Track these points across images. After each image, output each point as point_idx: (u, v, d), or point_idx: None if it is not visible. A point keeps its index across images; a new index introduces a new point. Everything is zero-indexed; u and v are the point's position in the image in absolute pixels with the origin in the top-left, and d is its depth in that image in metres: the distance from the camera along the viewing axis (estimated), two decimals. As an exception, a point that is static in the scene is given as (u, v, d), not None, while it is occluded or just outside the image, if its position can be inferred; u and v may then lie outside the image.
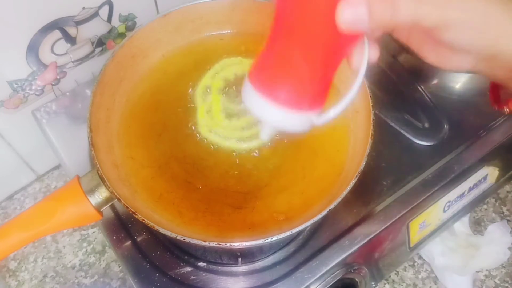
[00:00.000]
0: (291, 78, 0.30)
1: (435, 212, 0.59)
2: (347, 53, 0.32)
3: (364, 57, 0.31)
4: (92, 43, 0.61)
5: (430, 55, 0.34)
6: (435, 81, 0.66)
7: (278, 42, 0.31)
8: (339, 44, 0.30)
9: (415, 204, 0.56)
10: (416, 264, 0.67)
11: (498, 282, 0.66)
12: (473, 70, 0.33)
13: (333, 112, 0.31)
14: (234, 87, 0.53)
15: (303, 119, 0.31)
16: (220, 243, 0.40)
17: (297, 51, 0.30)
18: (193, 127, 0.52)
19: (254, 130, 0.51)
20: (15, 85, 0.57)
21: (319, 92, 0.32)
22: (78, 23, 0.57)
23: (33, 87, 0.60)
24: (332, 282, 0.52)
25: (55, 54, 0.58)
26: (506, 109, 0.39)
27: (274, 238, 0.41)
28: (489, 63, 0.32)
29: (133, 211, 0.42)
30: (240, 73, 0.54)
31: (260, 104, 0.31)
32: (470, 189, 0.62)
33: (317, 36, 0.29)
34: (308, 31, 0.29)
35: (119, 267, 0.64)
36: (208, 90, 0.53)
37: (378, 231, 0.54)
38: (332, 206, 0.42)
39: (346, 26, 0.28)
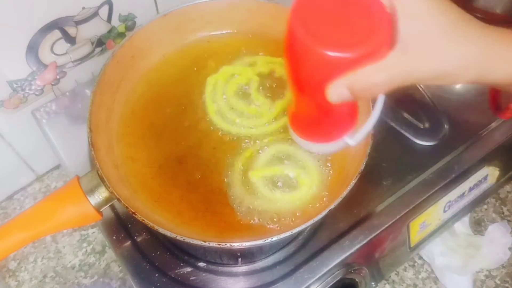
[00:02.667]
0: (318, 128, 0.39)
1: (435, 212, 0.59)
2: None
3: None
4: (92, 43, 0.61)
5: None
6: (435, 81, 0.66)
7: (299, 101, 0.37)
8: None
9: (415, 204, 0.56)
10: (416, 264, 0.67)
11: (498, 282, 0.66)
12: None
13: (361, 134, 0.37)
14: (270, 83, 0.54)
15: (338, 143, 0.39)
16: (220, 243, 0.40)
17: (314, 112, 0.37)
18: (206, 118, 0.52)
19: (243, 122, 0.52)
20: (15, 85, 0.57)
21: (344, 127, 0.38)
22: (78, 23, 0.57)
23: (33, 87, 0.60)
24: (332, 282, 0.52)
25: (55, 54, 0.58)
26: (506, 115, 0.39)
27: (274, 238, 0.41)
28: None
29: (133, 211, 0.41)
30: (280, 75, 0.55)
31: (303, 143, 0.41)
32: (470, 189, 0.62)
33: (322, 103, 0.33)
34: (314, 100, 0.35)
35: (119, 267, 0.64)
36: (251, 65, 0.55)
37: (378, 231, 0.54)
38: (332, 206, 0.42)
39: (335, 102, 0.32)
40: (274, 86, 0.54)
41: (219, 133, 0.51)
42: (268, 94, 0.53)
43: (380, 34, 0.30)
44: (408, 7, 0.30)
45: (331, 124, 0.38)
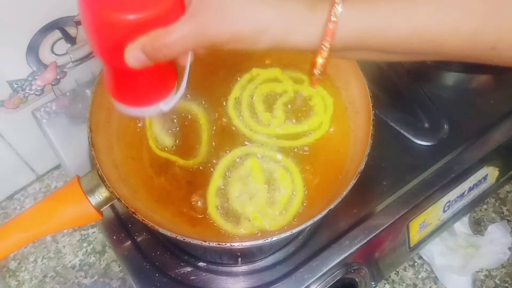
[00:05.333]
0: (131, 92, 0.39)
1: (435, 212, 0.59)
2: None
3: (189, 56, 0.37)
4: (92, 43, 0.61)
5: None
6: (435, 81, 0.66)
7: (107, 68, 0.38)
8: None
9: (415, 204, 0.56)
10: (416, 264, 0.67)
11: (498, 282, 0.66)
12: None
13: (174, 100, 0.40)
14: (300, 105, 0.54)
15: (153, 108, 0.40)
16: (220, 243, 0.40)
17: (123, 77, 0.38)
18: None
19: (249, 120, 0.52)
20: (15, 85, 0.57)
21: (157, 93, 0.39)
22: (78, 23, 0.57)
23: (33, 87, 0.60)
24: (332, 282, 0.52)
25: (55, 54, 0.58)
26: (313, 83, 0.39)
27: (274, 238, 0.41)
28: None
29: (133, 211, 0.42)
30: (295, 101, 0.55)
31: (122, 107, 0.41)
32: (470, 189, 0.62)
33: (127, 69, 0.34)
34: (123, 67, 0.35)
35: (119, 267, 0.64)
36: (296, 81, 0.55)
37: (378, 231, 0.54)
38: (332, 206, 0.42)
39: (134, 66, 0.33)
40: (301, 109, 0.53)
41: (219, 133, 0.51)
42: (290, 113, 0.53)
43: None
44: None
45: (142, 90, 0.39)
